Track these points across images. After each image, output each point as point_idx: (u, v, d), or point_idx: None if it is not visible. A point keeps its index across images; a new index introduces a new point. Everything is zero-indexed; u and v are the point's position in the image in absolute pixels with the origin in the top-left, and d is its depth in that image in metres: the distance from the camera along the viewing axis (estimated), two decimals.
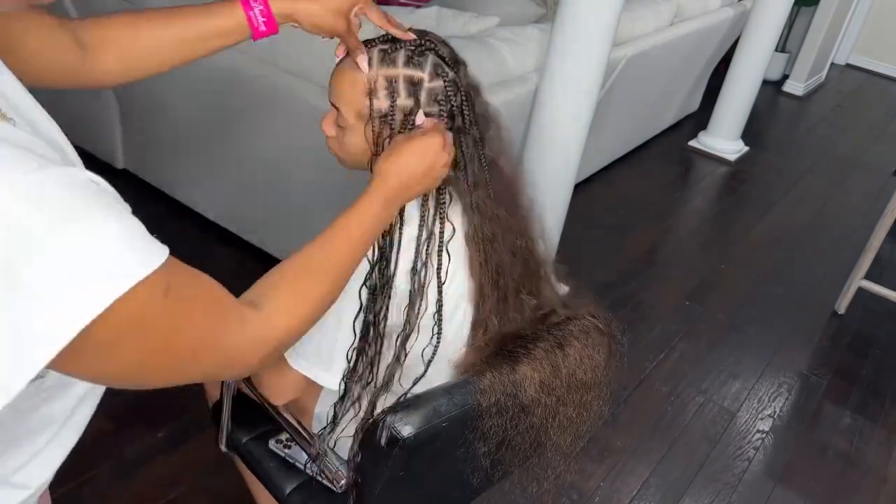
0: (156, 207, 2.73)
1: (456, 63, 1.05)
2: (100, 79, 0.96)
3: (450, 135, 1.02)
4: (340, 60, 1.06)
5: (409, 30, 1.05)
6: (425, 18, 2.53)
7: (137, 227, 0.58)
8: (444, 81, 1.03)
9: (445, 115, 1.04)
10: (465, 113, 1.06)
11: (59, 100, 3.29)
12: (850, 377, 2.60)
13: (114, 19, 0.96)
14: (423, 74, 1.02)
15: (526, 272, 1.17)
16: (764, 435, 2.28)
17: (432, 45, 1.03)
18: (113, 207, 0.56)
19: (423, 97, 1.02)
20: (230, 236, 2.61)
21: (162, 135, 2.64)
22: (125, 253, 0.55)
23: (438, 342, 1.11)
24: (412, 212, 1.05)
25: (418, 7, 2.57)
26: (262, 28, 0.99)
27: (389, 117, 1.02)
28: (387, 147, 1.01)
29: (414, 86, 1.02)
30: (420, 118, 1.02)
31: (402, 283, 1.05)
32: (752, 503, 2.04)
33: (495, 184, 1.10)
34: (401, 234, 1.04)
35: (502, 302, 1.14)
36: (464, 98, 1.05)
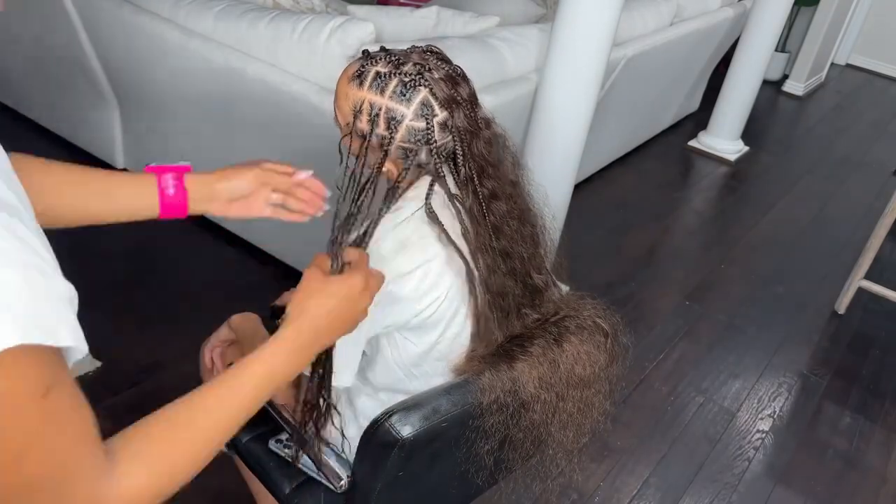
0: None
1: (450, 103, 1.03)
2: None
3: (376, 274, 0.88)
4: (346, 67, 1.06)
5: (428, 47, 1.05)
6: (425, 18, 2.52)
7: (45, 297, 0.50)
8: (427, 124, 1.01)
9: (423, 151, 1.03)
10: (456, 154, 1.05)
11: (59, 100, 3.29)
12: (850, 377, 2.60)
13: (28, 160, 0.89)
14: (408, 111, 1.01)
15: (528, 292, 1.18)
16: (764, 435, 2.28)
17: (428, 82, 1.01)
18: (11, 257, 0.49)
19: (401, 133, 1.02)
20: (230, 237, 2.61)
21: (162, 135, 2.64)
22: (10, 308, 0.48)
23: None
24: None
25: (418, 7, 2.57)
26: (171, 191, 0.97)
27: (367, 140, 1.02)
28: (302, 286, 0.83)
29: (394, 121, 1.01)
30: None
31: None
32: (752, 503, 2.04)
33: (497, 213, 1.11)
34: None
35: (503, 320, 1.15)
36: (455, 141, 1.04)
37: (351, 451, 1.19)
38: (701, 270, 3.10)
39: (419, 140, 1.02)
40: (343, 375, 1.09)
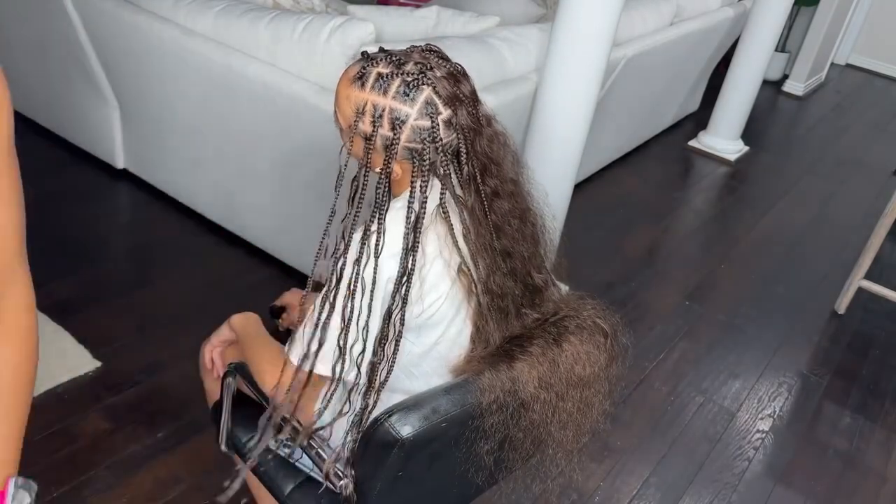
0: (156, 207, 2.73)
1: (454, 101, 1.03)
2: None
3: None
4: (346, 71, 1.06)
5: (428, 46, 1.05)
6: (425, 18, 2.53)
7: None
8: (432, 122, 1.01)
9: (429, 150, 1.03)
10: (460, 152, 1.05)
11: (59, 100, 3.29)
12: (850, 377, 2.60)
13: None
14: (412, 111, 1.00)
15: (528, 292, 1.18)
16: (764, 435, 2.28)
17: (431, 81, 1.01)
18: None
19: (406, 133, 1.01)
20: (230, 236, 2.62)
21: (162, 134, 2.64)
22: None
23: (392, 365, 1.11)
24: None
25: (418, 7, 2.57)
26: None
27: (370, 140, 1.02)
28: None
29: (399, 121, 1.01)
30: None
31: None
32: (752, 503, 2.04)
33: (499, 212, 1.11)
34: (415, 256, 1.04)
35: (503, 321, 1.15)
36: (459, 138, 1.04)
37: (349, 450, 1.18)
38: (701, 270, 3.10)
39: (425, 139, 1.02)
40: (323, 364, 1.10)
